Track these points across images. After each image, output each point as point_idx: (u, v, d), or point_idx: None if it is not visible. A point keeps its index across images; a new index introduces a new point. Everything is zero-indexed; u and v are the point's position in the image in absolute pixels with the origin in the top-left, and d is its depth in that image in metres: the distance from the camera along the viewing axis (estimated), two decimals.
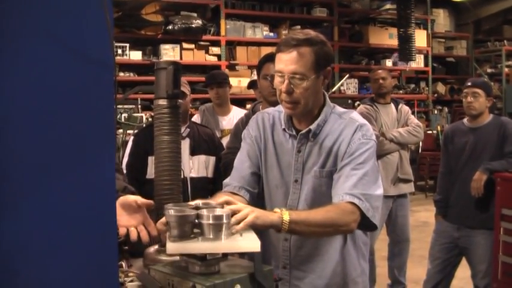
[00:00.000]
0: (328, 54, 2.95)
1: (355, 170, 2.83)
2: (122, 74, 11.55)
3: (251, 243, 2.21)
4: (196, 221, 2.19)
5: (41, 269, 1.68)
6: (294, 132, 3.02)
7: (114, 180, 1.79)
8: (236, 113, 6.66)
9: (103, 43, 1.74)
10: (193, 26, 12.02)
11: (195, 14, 12.33)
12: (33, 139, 1.66)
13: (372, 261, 6.49)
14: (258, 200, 3.05)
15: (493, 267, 5.28)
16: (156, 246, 2.46)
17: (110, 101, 1.78)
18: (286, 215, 2.53)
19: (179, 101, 2.48)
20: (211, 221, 2.17)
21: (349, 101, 12.95)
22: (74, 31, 1.71)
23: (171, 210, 2.23)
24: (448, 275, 5.58)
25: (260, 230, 2.49)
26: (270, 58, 4.46)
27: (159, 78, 2.41)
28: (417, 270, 6.82)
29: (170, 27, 11.92)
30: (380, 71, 6.82)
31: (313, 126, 2.97)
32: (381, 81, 6.65)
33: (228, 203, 2.40)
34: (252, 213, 2.36)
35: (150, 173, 4.42)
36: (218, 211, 2.24)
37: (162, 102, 2.39)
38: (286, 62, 2.86)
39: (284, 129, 3.06)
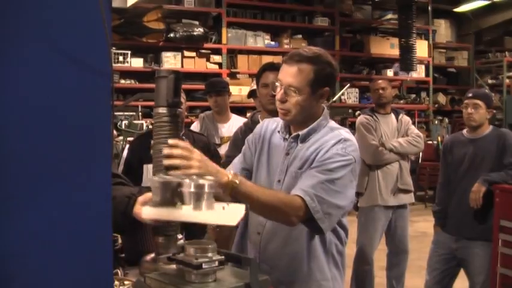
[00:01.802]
0: (329, 76, 3.06)
1: (320, 173, 2.89)
2: (123, 81, 11.60)
3: (228, 218, 2.24)
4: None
5: (37, 274, 1.69)
6: (287, 136, 3.15)
7: (109, 187, 1.79)
8: (235, 121, 6.68)
9: (100, 50, 1.74)
10: (194, 34, 12.05)
11: (196, 22, 12.35)
12: (30, 144, 1.67)
13: (370, 272, 6.50)
14: None
15: (491, 279, 5.26)
16: (153, 255, 2.46)
17: (107, 108, 1.79)
18: (237, 182, 2.60)
19: (180, 110, 2.48)
20: (192, 189, 2.18)
21: (350, 111, 12.97)
22: (71, 38, 1.72)
23: (156, 177, 2.26)
24: (446, 287, 5.56)
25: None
26: (268, 67, 4.49)
27: (160, 86, 2.40)
28: (416, 280, 6.80)
29: (172, 34, 11.95)
30: (380, 81, 6.81)
31: (302, 132, 3.09)
32: (380, 91, 6.64)
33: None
34: (198, 168, 2.39)
35: (145, 181, 4.43)
36: (201, 181, 2.23)
37: (162, 110, 2.39)
38: (286, 73, 3.02)
39: (279, 131, 3.20)
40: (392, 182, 6.47)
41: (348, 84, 11.66)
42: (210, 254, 2.13)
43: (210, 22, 12.82)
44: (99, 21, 1.68)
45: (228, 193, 2.59)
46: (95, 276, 1.78)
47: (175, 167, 2.34)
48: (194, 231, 4.70)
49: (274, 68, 3.36)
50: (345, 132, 3.12)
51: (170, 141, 2.36)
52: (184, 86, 11.26)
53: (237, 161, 3.35)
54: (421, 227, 10.33)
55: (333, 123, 3.18)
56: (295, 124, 3.13)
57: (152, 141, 2.45)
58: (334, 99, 11.61)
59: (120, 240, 3.05)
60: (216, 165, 2.60)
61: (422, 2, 15.01)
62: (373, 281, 6.55)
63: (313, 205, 2.80)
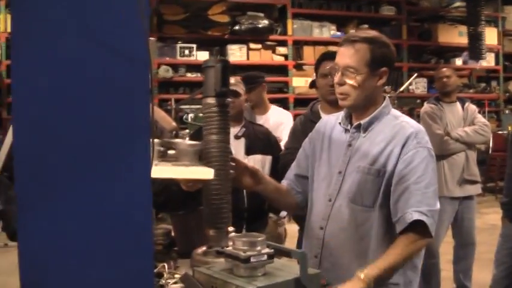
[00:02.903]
0: (385, 56, 3.03)
1: (417, 184, 2.85)
2: (189, 74, 11.68)
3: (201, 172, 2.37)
4: None
5: (73, 271, 1.70)
6: (348, 127, 3.11)
7: (149, 180, 1.78)
8: (274, 112, 6.77)
9: (138, 39, 1.73)
10: (259, 26, 12.04)
11: (261, 14, 12.30)
12: (68, 137, 1.69)
13: (436, 265, 6.38)
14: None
15: None
16: (204, 248, 2.45)
17: (146, 99, 1.78)
18: (369, 279, 2.68)
19: (228, 99, 2.45)
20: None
21: (418, 101, 12.77)
22: (109, 28, 1.73)
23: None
24: None
25: None
26: (327, 56, 4.43)
27: (208, 76, 2.39)
28: (484, 274, 6.63)
29: (237, 27, 11.98)
30: (444, 69, 6.70)
31: (363, 121, 3.05)
32: (445, 79, 6.52)
33: None
34: None
35: None
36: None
37: (211, 100, 2.37)
38: (343, 55, 3.02)
39: (340, 123, 3.16)
40: (459, 173, 6.34)
41: (416, 74, 11.45)
42: (258, 248, 2.10)
43: (275, 14, 12.75)
44: (136, 10, 1.67)
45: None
46: (134, 274, 1.77)
47: None
48: (255, 224, 4.73)
49: (333, 57, 3.31)
50: (412, 121, 3.09)
51: None
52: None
53: (291, 168, 3.37)
54: (491, 219, 10.10)
55: (394, 111, 3.13)
56: (355, 110, 3.09)
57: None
58: (402, 89, 11.44)
59: (173, 233, 3.05)
60: None
61: None
62: (439, 274, 6.43)
63: (430, 221, 2.83)
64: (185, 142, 2.52)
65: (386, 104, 3.10)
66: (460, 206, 6.39)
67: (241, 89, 4.88)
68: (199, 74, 11.58)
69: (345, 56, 2.99)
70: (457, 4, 14.46)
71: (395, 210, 2.89)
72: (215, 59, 2.41)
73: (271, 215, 4.95)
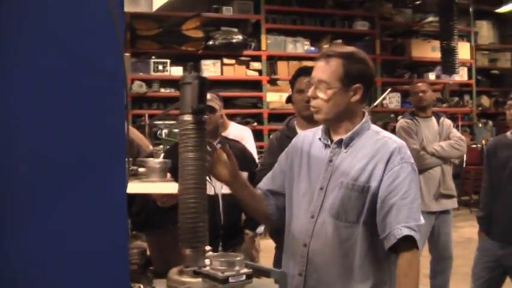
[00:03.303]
0: (361, 72, 3.01)
1: (404, 199, 2.85)
2: (162, 89, 11.67)
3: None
4: None
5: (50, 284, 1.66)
6: (329, 142, 3.08)
7: (124, 195, 1.76)
8: (234, 128, 6.79)
9: (114, 56, 1.70)
10: (233, 41, 12.05)
11: (235, 30, 12.32)
12: (42, 152, 1.65)
13: None
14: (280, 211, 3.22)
15: None
16: (181, 267, 2.40)
17: (121, 114, 1.76)
18: None
19: (205, 117, 2.41)
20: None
21: (392, 115, 12.82)
22: (84, 44, 1.70)
23: None
24: None
25: None
26: (303, 72, 4.41)
27: (184, 93, 2.34)
28: None
29: (211, 42, 11.97)
30: (420, 84, 6.75)
31: (345, 136, 3.02)
32: (420, 94, 6.56)
33: None
34: None
35: None
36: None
37: (187, 117, 2.33)
38: (317, 70, 3.02)
39: (320, 139, 3.12)
40: (435, 187, 6.36)
41: (389, 89, 11.55)
42: (237, 267, 2.06)
43: (249, 29, 12.77)
44: (112, 26, 1.64)
45: None
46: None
47: None
48: (232, 241, 4.69)
49: (308, 72, 3.30)
50: (393, 136, 3.11)
51: None
52: (224, 94, 11.38)
53: (264, 182, 3.31)
54: (466, 233, 10.13)
55: (375, 127, 3.13)
56: (330, 124, 3.08)
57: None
58: (376, 103, 11.50)
59: (148, 252, 3.01)
60: None
61: (464, 3, 14.78)
62: None
63: (418, 236, 2.84)
64: (154, 160, 2.60)
65: (367, 120, 3.09)
66: (436, 220, 6.41)
67: (217, 104, 4.84)
68: (173, 90, 11.56)
69: (319, 70, 3.00)
70: (430, 19, 14.58)
71: (383, 227, 2.88)
72: (192, 76, 2.35)
73: (247, 231, 4.91)
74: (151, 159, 2.66)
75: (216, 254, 2.23)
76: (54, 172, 1.65)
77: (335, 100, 2.96)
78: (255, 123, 12.15)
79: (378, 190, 2.91)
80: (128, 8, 4.69)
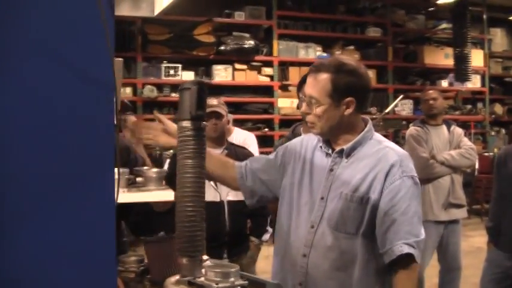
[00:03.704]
0: (350, 85, 2.93)
1: (404, 214, 2.83)
2: (174, 94, 11.62)
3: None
4: None
5: None
6: (330, 151, 3.03)
7: (113, 203, 1.74)
8: (238, 134, 6.79)
9: (103, 62, 1.69)
10: (245, 46, 12.04)
11: (247, 35, 12.31)
12: (29, 159, 1.64)
13: None
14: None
15: None
16: (177, 277, 2.37)
17: (111, 122, 1.74)
18: None
19: (204, 123, 2.37)
20: None
21: (404, 123, 12.74)
22: (73, 49, 1.68)
23: None
24: None
25: None
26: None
27: (183, 99, 2.31)
28: None
29: (222, 47, 11.96)
30: (431, 91, 6.67)
31: (347, 146, 2.97)
32: (431, 101, 6.48)
33: None
34: None
35: None
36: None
37: (186, 124, 2.29)
38: (307, 85, 3.01)
39: (321, 147, 3.07)
40: (444, 197, 6.29)
41: (401, 96, 11.46)
42: (232, 279, 2.02)
43: (261, 34, 12.77)
44: (102, 31, 1.62)
45: None
46: None
47: None
48: (237, 249, 4.67)
49: None
50: (396, 147, 3.07)
51: None
52: (235, 99, 11.30)
53: (253, 164, 3.24)
54: (477, 242, 10.05)
55: (377, 135, 3.08)
56: (326, 137, 3.05)
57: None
58: (387, 110, 11.44)
59: (146, 260, 2.99)
60: None
61: (477, 10, 14.73)
62: None
63: (417, 253, 2.84)
64: (151, 170, 2.72)
65: (369, 129, 3.04)
66: (445, 230, 6.34)
67: (223, 110, 4.83)
68: None
69: (309, 86, 2.96)
70: (443, 26, 14.52)
71: (383, 242, 2.86)
72: (191, 81, 2.32)
73: (252, 239, 4.89)
74: (147, 168, 2.71)
75: (211, 264, 2.19)
76: (41, 180, 1.63)
77: (327, 116, 2.92)
78: (266, 129, 12.13)
79: (378, 203, 2.88)
80: (130, 12, 4.65)
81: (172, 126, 3.00)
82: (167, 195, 2.51)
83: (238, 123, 11.27)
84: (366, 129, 3.02)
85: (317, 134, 3.04)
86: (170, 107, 11.49)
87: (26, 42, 1.62)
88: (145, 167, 3.32)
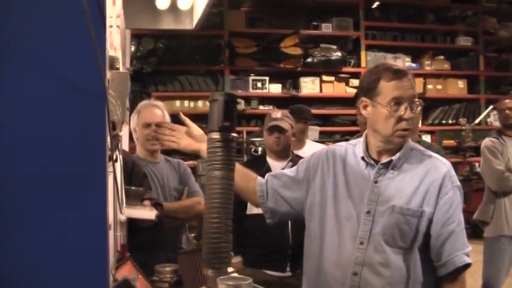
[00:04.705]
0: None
1: (459, 225, 2.88)
2: (261, 107, 11.70)
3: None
4: None
5: None
6: (373, 162, 2.96)
7: (105, 213, 1.79)
8: (310, 147, 6.56)
9: (93, 73, 1.75)
10: (332, 58, 12.02)
11: (334, 46, 12.27)
12: (21, 169, 1.71)
13: None
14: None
15: None
16: None
17: (102, 133, 1.80)
18: None
19: (233, 134, 2.41)
20: None
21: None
22: (63, 61, 1.75)
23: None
24: None
25: None
26: None
27: (212, 110, 2.36)
28: None
29: (309, 59, 11.99)
30: (507, 101, 6.46)
31: (395, 157, 2.91)
32: (507, 111, 6.32)
33: None
34: None
35: (250, 208, 4.41)
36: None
37: (214, 135, 2.35)
38: (407, 87, 2.87)
39: (363, 158, 2.99)
40: None
41: (491, 106, 11.20)
42: None
43: (349, 46, 12.71)
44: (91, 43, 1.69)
45: None
46: None
47: None
48: (300, 262, 4.70)
49: None
50: (438, 156, 3.03)
51: None
52: (323, 111, 11.19)
53: (274, 181, 3.20)
54: None
55: (415, 145, 3.05)
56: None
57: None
58: (477, 121, 11.22)
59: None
60: None
61: None
62: None
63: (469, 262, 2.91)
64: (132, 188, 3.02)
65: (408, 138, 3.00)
66: None
67: (288, 123, 4.85)
68: (271, 107, 11.61)
69: (410, 87, 2.89)
70: None
71: (439, 254, 2.86)
72: (220, 93, 2.37)
73: None
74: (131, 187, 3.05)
75: (224, 277, 2.24)
76: (33, 188, 1.71)
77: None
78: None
79: (432, 216, 2.85)
80: (173, 26, 4.81)
81: (197, 130, 3.06)
82: (149, 214, 2.78)
83: (326, 135, 11.30)
84: (408, 141, 2.97)
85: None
86: (258, 119, 11.57)
87: (19, 56, 1.71)
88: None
